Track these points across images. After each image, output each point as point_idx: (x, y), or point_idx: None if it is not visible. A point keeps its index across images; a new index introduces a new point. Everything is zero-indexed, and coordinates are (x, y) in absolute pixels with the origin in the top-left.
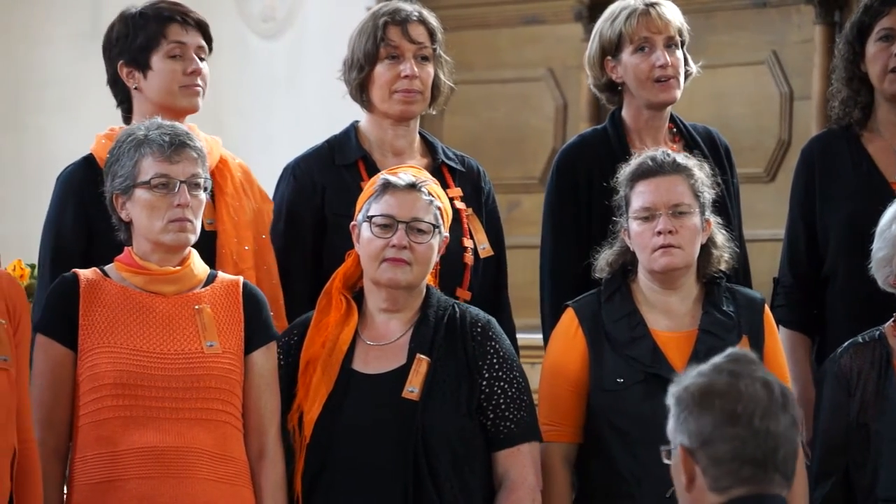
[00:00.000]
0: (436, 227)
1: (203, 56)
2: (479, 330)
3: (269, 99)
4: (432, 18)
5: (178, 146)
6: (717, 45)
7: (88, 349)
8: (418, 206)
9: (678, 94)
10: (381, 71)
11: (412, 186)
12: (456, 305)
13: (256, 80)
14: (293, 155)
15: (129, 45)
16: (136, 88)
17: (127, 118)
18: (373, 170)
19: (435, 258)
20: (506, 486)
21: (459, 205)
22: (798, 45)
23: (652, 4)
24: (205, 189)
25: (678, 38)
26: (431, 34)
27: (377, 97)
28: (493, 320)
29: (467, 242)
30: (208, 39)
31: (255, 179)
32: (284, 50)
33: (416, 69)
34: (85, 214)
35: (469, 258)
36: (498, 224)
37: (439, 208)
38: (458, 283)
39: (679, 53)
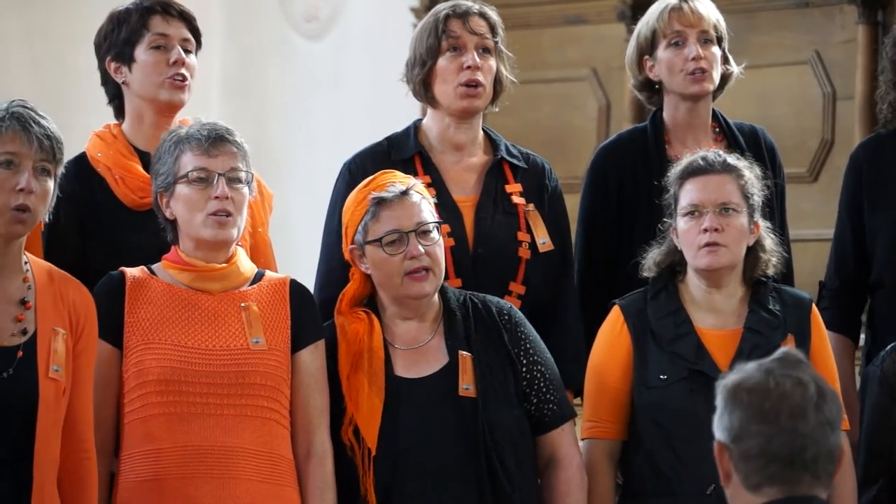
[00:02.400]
0: (438, 222)
1: (189, 49)
2: (506, 318)
3: (311, 99)
4: (493, 13)
5: (216, 139)
6: (760, 45)
7: (134, 346)
8: (416, 211)
9: (711, 87)
10: (444, 64)
11: (404, 193)
12: (472, 296)
13: (299, 81)
14: (335, 155)
15: (114, 41)
16: (124, 83)
17: (119, 116)
18: (428, 165)
19: (444, 253)
20: (555, 465)
21: (518, 200)
22: (841, 45)
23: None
24: (247, 183)
25: (713, 34)
26: (492, 28)
27: (440, 92)
28: (513, 306)
29: (523, 237)
30: (196, 33)
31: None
32: (327, 50)
33: (477, 60)
34: (77, 212)
35: (525, 252)
36: (564, 222)
37: (428, 202)
38: (512, 276)
39: (715, 49)
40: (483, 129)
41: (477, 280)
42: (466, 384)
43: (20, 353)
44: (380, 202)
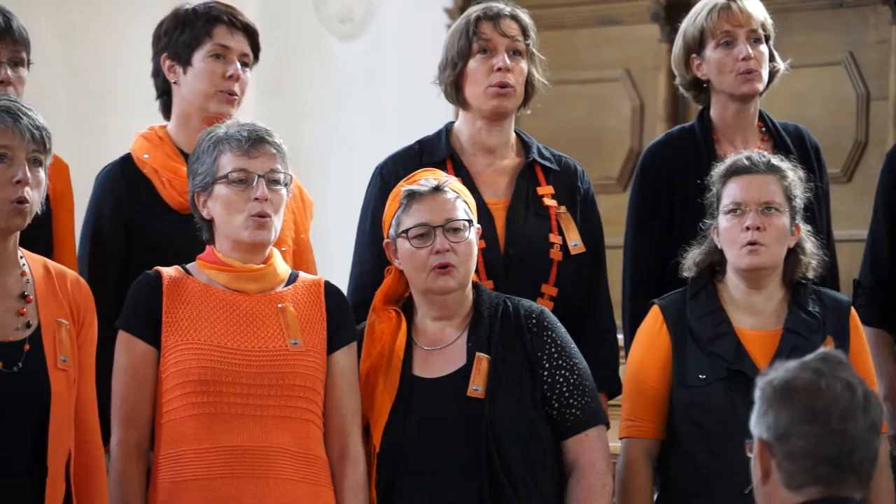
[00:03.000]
0: (469, 221)
1: (247, 63)
2: (533, 321)
3: (346, 100)
4: (525, 15)
5: (256, 141)
6: (794, 45)
7: (172, 346)
8: (448, 207)
9: (761, 86)
10: (475, 66)
11: (437, 189)
12: (507, 300)
13: (333, 82)
14: (370, 156)
15: (174, 40)
16: (175, 83)
17: (166, 113)
18: (460, 168)
19: (476, 252)
20: (576, 473)
21: (550, 202)
22: (875, 46)
23: None
24: (285, 185)
25: (761, 32)
26: (524, 30)
27: (471, 94)
28: (546, 310)
29: (554, 238)
30: (255, 48)
31: (295, 178)
32: (361, 51)
33: (508, 62)
34: (122, 212)
35: (556, 254)
36: (596, 223)
37: (466, 202)
38: (544, 278)
39: (763, 47)
40: (515, 132)
41: (508, 282)
42: (476, 385)
43: (27, 347)
44: (412, 195)
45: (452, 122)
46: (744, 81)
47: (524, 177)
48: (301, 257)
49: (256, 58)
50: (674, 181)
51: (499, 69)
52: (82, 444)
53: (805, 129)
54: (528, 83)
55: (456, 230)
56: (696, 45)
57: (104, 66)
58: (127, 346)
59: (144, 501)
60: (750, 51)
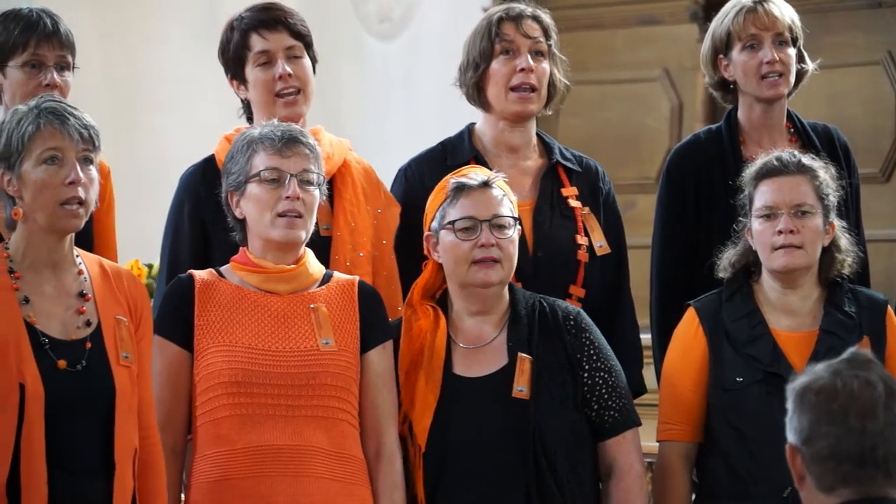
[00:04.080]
0: (515, 219)
1: (297, 54)
2: (572, 323)
3: (385, 100)
4: (546, 16)
5: (289, 141)
6: (832, 45)
7: (204, 349)
8: (495, 203)
9: (786, 90)
10: (497, 67)
11: (486, 184)
12: (542, 300)
13: (372, 81)
14: (408, 156)
15: (227, 60)
16: (246, 99)
17: (250, 122)
18: None
19: (517, 251)
20: (615, 475)
21: (574, 203)
22: None
23: (760, 1)
24: (318, 185)
25: (788, 35)
26: (545, 31)
27: (493, 95)
28: (582, 311)
29: (581, 240)
30: (301, 36)
31: (382, 183)
32: (400, 51)
33: (531, 63)
34: (200, 216)
35: (583, 255)
36: (618, 224)
37: (511, 201)
38: (571, 280)
39: (790, 50)
40: (536, 133)
41: (537, 284)
42: (521, 386)
43: (89, 345)
44: (460, 188)
45: (474, 124)
46: (769, 86)
47: (548, 178)
48: (382, 263)
49: (308, 44)
50: (700, 183)
51: (522, 70)
52: (141, 440)
53: (834, 129)
54: (551, 84)
55: (501, 227)
56: (723, 47)
57: (141, 68)
58: (161, 350)
59: (179, 502)
60: (775, 54)
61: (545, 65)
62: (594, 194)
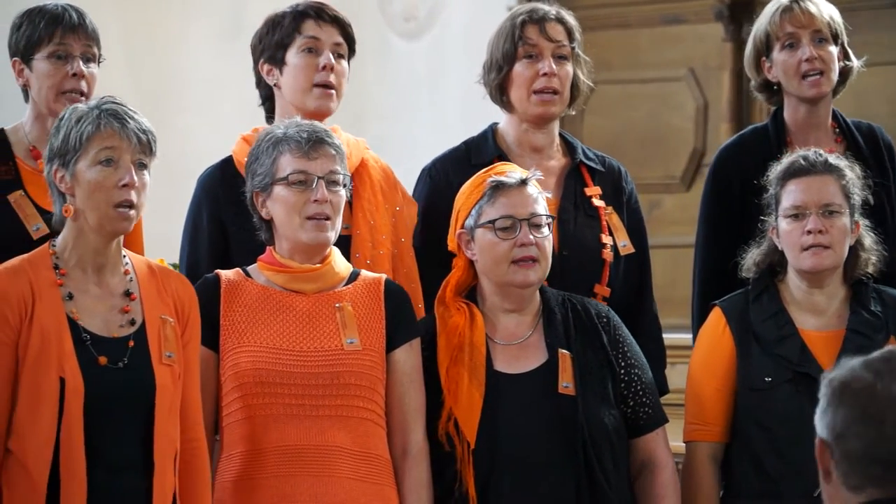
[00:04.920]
0: (550, 218)
1: (342, 53)
2: (605, 320)
3: (410, 99)
4: (570, 17)
5: (315, 142)
6: (858, 44)
7: (230, 349)
8: (532, 202)
9: (828, 88)
10: (520, 70)
11: (524, 182)
12: (571, 297)
13: (398, 81)
14: (434, 154)
15: (268, 43)
16: (275, 85)
17: (269, 118)
18: None
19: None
20: (651, 470)
21: (598, 202)
22: None
23: (797, 0)
24: (344, 186)
25: (827, 32)
26: (569, 33)
27: (516, 98)
28: (612, 310)
29: (606, 239)
30: (349, 39)
31: (399, 182)
32: (426, 50)
33: (554, 67)
34: (220, 216)
35: (608, 254)
36: (640, 224)
37: (545, 199)
38: (596, 279)
39: (831, 48)
40: (559, 133)
41: (563, 283)
42: (566, 382)
43: (131, 343)
44: (498, 186)
45: (497, 123)
46: (810, 85)
47: (572, 178)
48: (402, 261)
49: (352, 50)
50: (746, 183)
51: (544, 74)
52: (186, 442)
53: (878, 128)
54: (574, 85)
55: (538, 226)
56: (763, 48)
57: (165, 68)
58: None
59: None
60: (813, 52)
61: (568, 67)
62: (617, 194)
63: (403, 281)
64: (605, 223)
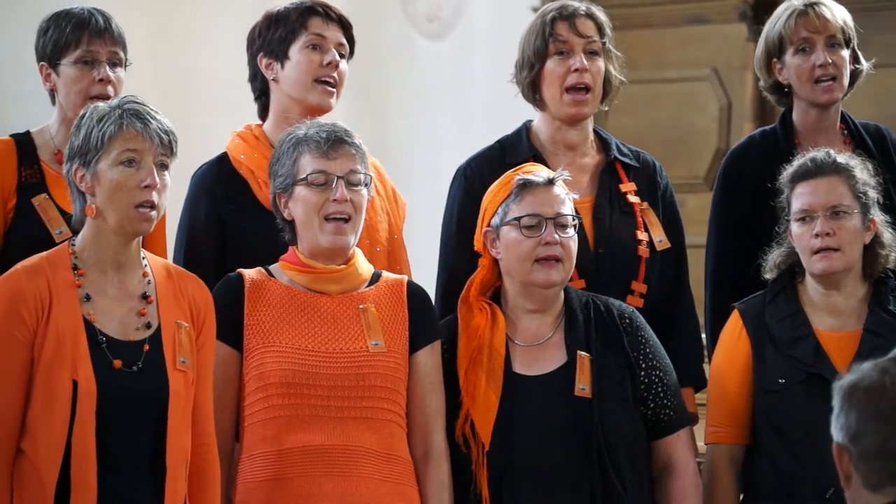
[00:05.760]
0: (576, 218)
1: (343, 53)
2: (627, 322)
3: (434, 99)
4: (600, 13)
5: (335, 142)
6: (882, 44)
7: (254, 349)
8: (558, 201)
9: (840, 94)
10: (552, 67)
11: (551, 182)
12: (595, 298)
13: (422, 81)
14: (458, 155)
15: (270, 38)
16: (273, 80)
17: (263, 114)
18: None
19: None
20: (672, 472)
21: (633, 199)
22: None
23: (811, 4)
24: (366, 185)
25: (840, 37)
26: (600, 28)
27: (548, 95)
28: (636, 311)
29: (641, 235)
30: (350, 39)
31: (388, 179)
32: (450, 50)
33: (585, 63)
34: (217, 212)
35: (644, 251)
36: (676, 218)
37: (571, 200)
38: (633, 276)
39: (843, 52)
40: (594, 130)
41: (599, 280)
42: (583, 384)
43: (146, 347)
44: (525, 185)
45: (531, 121)
46: (823, 91)
47: (606, 174)
48: (395, 257)
49: (352, 51)
50: (756, 184)
51: (576, 70)
52: (197, 446)
53: (886, 129)
54: (606, 81)
55: (564, 226)
56: (776, 50)
57: (189, 68)
58: None
59: (227, 501)
60: (828, 57)
61: (600, 63)
62: (652, 189)
63: None
64: (640, 219)
